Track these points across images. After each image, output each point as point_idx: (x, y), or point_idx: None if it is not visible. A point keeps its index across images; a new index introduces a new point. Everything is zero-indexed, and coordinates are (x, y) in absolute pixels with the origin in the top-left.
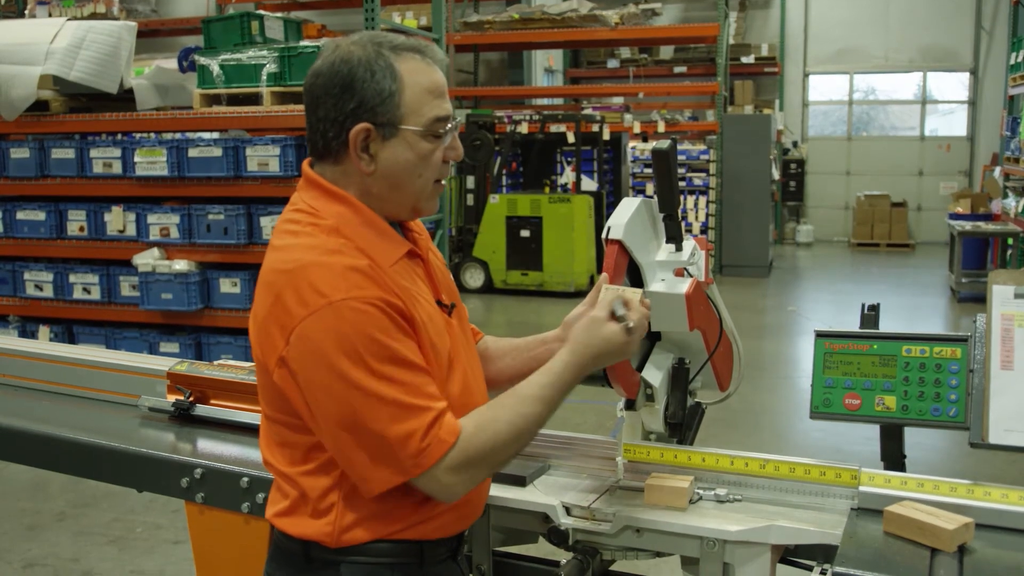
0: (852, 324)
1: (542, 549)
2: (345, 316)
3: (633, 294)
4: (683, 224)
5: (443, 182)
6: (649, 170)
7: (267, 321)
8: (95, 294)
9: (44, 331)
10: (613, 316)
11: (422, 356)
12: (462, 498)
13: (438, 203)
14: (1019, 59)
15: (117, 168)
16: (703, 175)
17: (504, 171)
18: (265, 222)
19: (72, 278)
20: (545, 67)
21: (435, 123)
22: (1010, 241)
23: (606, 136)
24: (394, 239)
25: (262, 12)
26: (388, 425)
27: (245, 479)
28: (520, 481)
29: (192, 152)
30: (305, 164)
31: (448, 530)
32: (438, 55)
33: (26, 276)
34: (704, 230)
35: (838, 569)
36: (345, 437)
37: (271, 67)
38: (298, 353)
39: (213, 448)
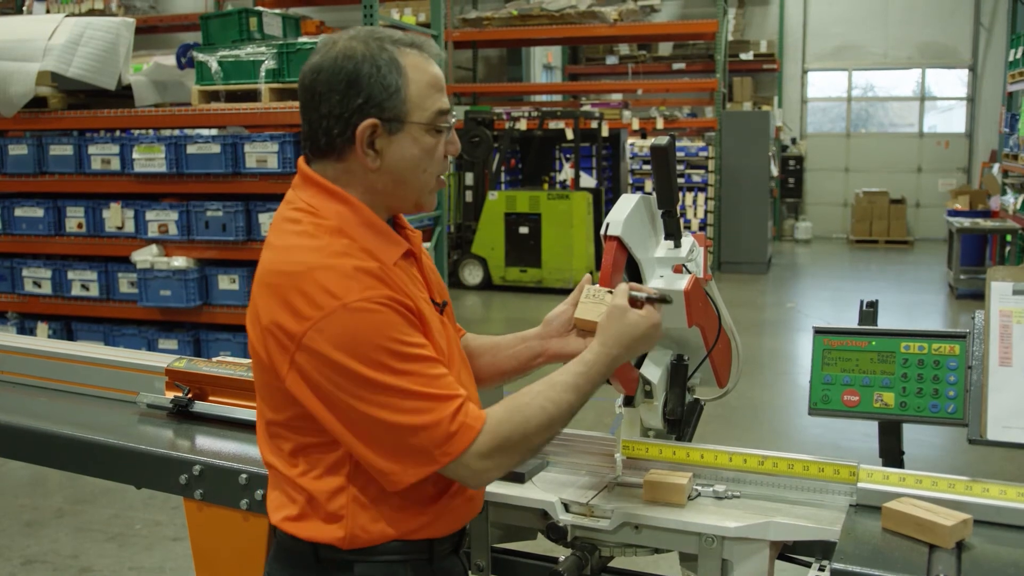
0: (851, 321)
1: (541, 546)
2: (360, 317)
3: (620, 294)
4: (682, 220)
5: (443, 178)
6: (648, 166)
7: (273, 325)
8: (93, 291)
9: (42, 328)
10: (633, 302)
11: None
12: (467, 494)
13: (436, 199)
14: (1018, 55)
15: (115, 165)
16: (702, 172)
17: (503, 168)
18: (263, 219)
19: (70, 275)
20: (544, 64)
21: (438, 116)
22: (1008, 238)
23: (605, 133)
24: (392, 239)
25: (260, 8)
26: (413, 417)
27: (243, 476)
28: (519, 478)
29: (190, 149)
30: (301, 161)
31: (454, 526)
32: (434, 49)
33: (24, 273)
34: (703, 227)
35: (836, 565)
36: (369, 435)
37: (269, 63)
38: (312, 356)
39: (211, 445)
